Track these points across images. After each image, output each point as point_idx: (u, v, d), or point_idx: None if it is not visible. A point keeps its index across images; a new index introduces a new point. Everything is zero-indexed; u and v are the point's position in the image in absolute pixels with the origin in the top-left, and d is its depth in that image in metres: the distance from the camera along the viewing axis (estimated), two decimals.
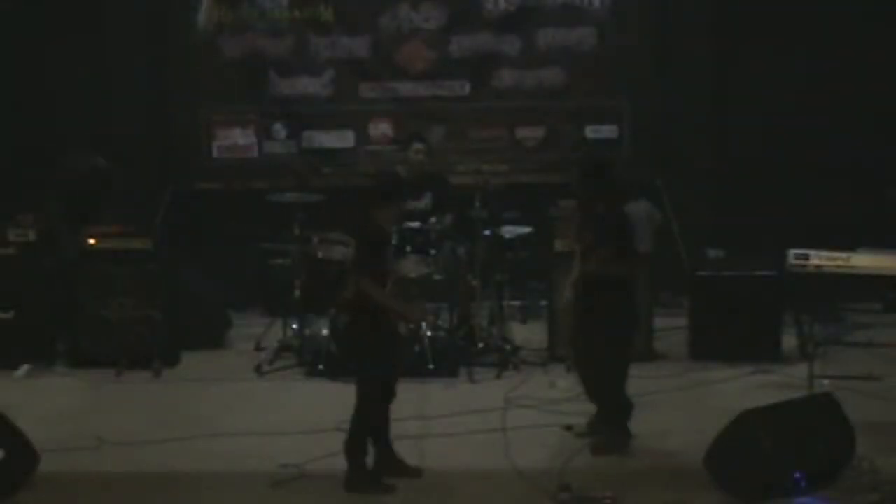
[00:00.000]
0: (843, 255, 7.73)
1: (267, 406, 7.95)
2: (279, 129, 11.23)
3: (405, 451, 6.82)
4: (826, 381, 7.75)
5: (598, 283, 6.87)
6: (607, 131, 11.11)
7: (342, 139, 11.23)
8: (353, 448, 6.48)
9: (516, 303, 9.92)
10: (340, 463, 6.67)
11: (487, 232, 9.10)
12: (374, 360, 6.45)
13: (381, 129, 11.20)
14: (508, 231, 9.29)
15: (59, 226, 9.32)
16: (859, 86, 10.50)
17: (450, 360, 8.74)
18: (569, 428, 7.23)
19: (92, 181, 9.74)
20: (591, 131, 11.12)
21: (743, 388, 8.21)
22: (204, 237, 10.73)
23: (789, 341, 8.97)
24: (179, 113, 11.24)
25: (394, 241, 8.77)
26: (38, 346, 9.02)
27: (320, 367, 8.62)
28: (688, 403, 7.93)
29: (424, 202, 9.30)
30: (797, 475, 6.06)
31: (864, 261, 7.74)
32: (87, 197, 9.61)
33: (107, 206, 9.70)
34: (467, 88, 11.12)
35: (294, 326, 9.21)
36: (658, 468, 6.74)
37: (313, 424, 7.17)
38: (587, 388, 7.18)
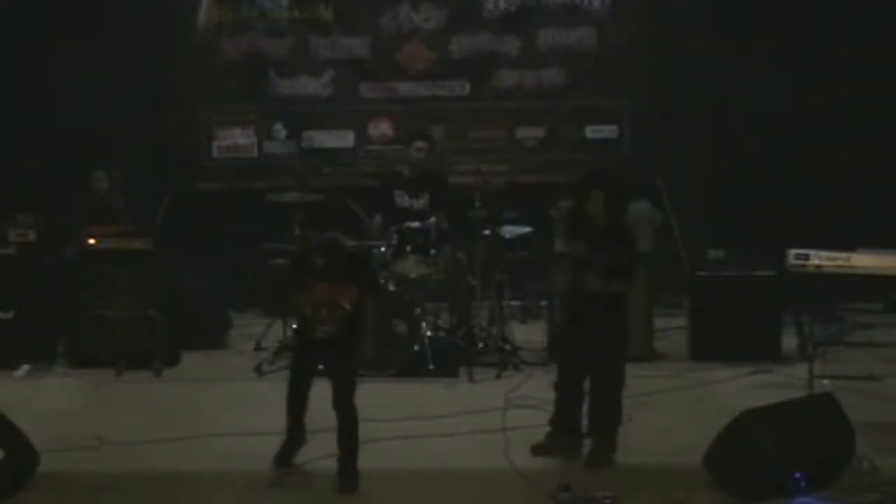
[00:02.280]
0: (843, 255, 7.74)
1: (267, 406, 7.90)
2: (279, 129, 11.22)
3: (405, 450, 6.82)
4: (826, 381, 7.75)
5: (595, 297, 6.69)
6: (607, 131, 11.10)
7: (342, 139, 11.22)
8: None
9: (516, 303, 9.91)
10: None
11: (487, 232, 9.09)
12: None
13: (381, 129, 11.19)
14: (508, 231, 9.28)
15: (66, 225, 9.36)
16: (859, 86, 10.50)
17: (450, 360, 8.74)
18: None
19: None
20: (591, 131, 11.11)
21: (743, 388, 8.21)
22: (204, 237, 10.72)
23: (789, 341, 8.97)
24: (179, 113, 11.24)
25: (393, 241, 8.84)
26: (38, 346, 9.00)
27: (320, 366, 8.57)
28: (688, 403, 7.93)
29: (423, 201, 9.30)
30: (797, 475, 6.06)
31: (864, 261, 7.74)
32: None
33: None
34: (467, 88, 11.11)
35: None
36: (658, 468, 6.73)
37: (313, 424, 7.15)
38: (564, 397, 6.95)
